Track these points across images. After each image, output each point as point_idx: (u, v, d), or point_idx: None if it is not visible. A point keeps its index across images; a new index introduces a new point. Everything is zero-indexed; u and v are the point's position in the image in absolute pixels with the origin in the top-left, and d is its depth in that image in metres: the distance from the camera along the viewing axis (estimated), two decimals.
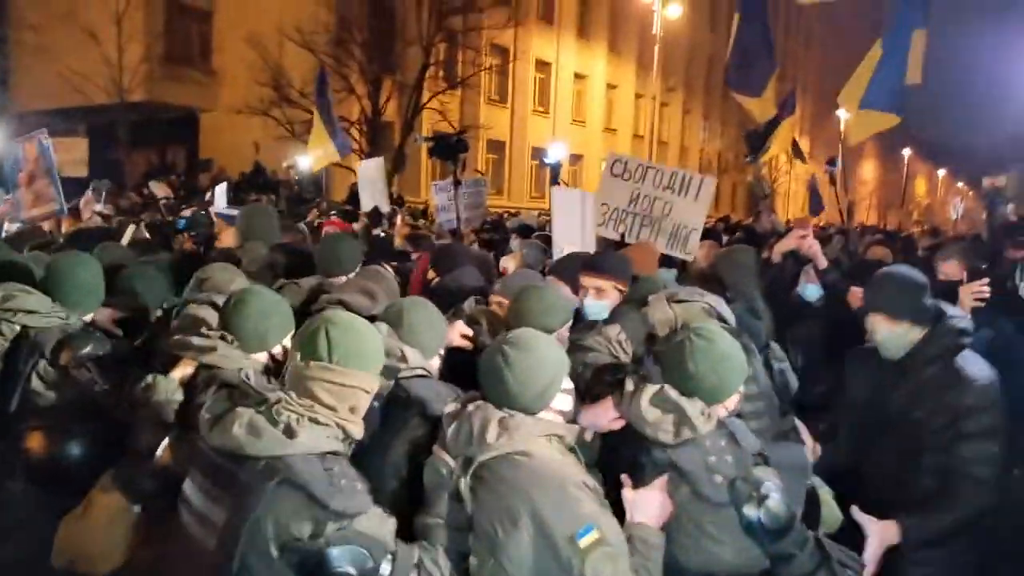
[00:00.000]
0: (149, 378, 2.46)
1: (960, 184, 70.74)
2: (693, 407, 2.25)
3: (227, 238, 4.55)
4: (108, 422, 2.56)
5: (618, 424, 2.35)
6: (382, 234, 7.77)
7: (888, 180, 56.62)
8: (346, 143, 10.88)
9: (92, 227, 5.93)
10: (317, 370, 1.98)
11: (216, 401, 2.03)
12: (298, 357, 2.02)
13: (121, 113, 21.53)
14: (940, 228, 20.00)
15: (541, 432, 2.11)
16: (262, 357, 2.55)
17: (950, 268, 4.63)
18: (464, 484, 2.04)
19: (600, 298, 3.34)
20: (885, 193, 55.25)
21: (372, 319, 2.46)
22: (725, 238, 8.28)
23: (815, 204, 15.69)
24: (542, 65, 31.98)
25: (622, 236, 5.39)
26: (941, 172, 72.69)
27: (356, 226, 8.16)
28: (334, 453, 1.96)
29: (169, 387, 2.46)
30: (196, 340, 2.52)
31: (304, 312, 2.81)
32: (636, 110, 37.02)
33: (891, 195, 55.52)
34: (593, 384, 2.54)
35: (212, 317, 2.65)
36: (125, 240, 4.64)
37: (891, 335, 2.94)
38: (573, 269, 3.61)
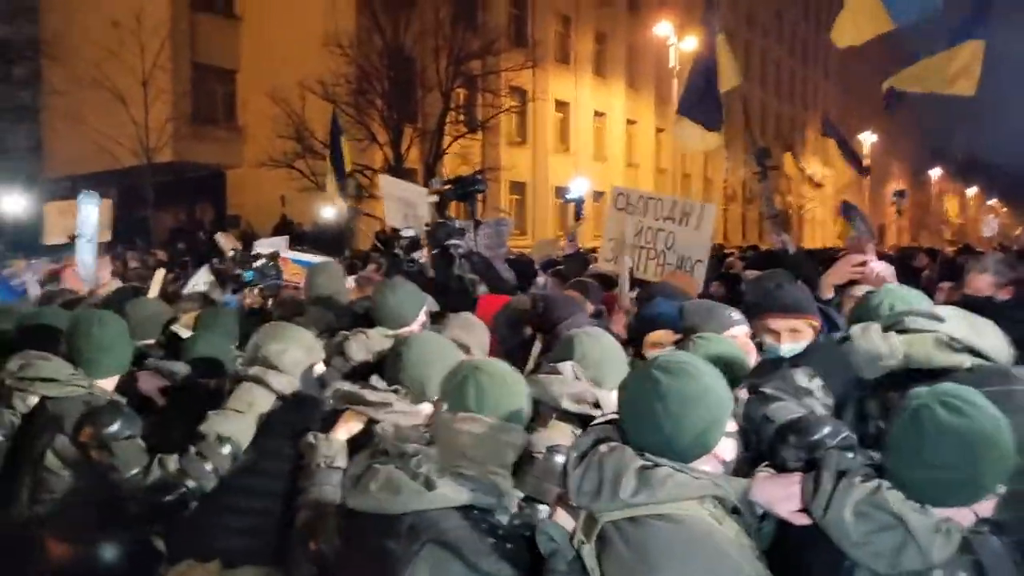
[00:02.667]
0: (310, 438, 2.31)
1: (992, 201, 69.52)
2: (924, 523, 1.54)
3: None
4: (134, 524, 2.42)
5: (801, 521, 1.68)
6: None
7: (918, 201, 55.75)
8: (344, 189, 11.07)
9: (127, 285, 5.86)
10: (464, 422, 1.85)
11: (357, 461, 1.93)
12: (444, 407, 1.92)
13: (149, 174, 21.94)
14: (973, 246, 19.44)
15: (695, 492, 1.61)
16: (426, 408, 2.34)
17: (981, 283, 4.31)
18: (588, 551, 1.59)
19: (797, 340, 2.82)
20: (915, 214, 54.37)
21: None
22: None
23: (862, 229, 14.72)
24: (561, 105, 32.14)
25: (631, 272, 5.17)
26: (972, 190, 71.49)
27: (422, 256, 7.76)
28: (479, 508, 1.77)
29: (332, 449, 2.29)
30: (371, 395, 2.33)
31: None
32: (657, 144, 36.97)
33: (922, 215, 54.71)
34: (778, 446, 1.84)
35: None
36: (154, 290, 4.51)
37: None
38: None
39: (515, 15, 29.48)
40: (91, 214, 6.16)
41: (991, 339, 2.04)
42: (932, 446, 1.56)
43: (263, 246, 5.82)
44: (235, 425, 2.53)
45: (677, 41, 26.31)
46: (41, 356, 2.73)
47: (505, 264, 5.34)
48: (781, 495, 1.70)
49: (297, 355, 2.72)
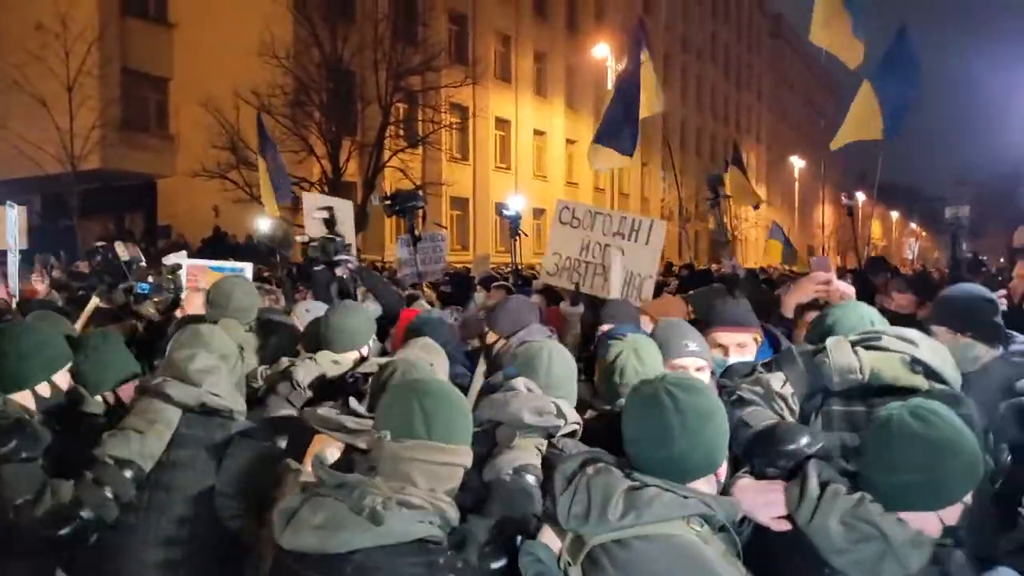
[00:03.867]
0: (290, 464, 2.14)
1: (913, 225, 72.83)
2: (903, 535, 1.62)
3: (194, 302, 4.14)
4: (30, 554, 2.25)
5: (782, 527, 1.77)
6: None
7: (844, 223, 57.85)
8: (286, 190, 10.76)
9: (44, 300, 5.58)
10: (416, 449, 1.70)
11: (292, 496, 1.73)
12: (387, 436, 1.72)
13: (73, 181, 21.09)
14: (897, 267, 20.37)
15: (682, 512, 1.60)
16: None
17: (904, 300, 4.58)
18: (576, 573, 1.59)
19: (744, 354, 2.96)
20: (841, 237, 56.46)
21: None
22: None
23: (788, 251, 15.50)
24: (501, 123, 32.36)
25: (576, 286, 5.17)
26: (895, 214, 74.69)
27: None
28: (433, 542, 1.65)
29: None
30: (350, 421, 2.17)
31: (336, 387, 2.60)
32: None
33: (848, 238, 56.84)
34: (755, 451, 1.92)
35: None
36: (82, 320, 4.27)
37: None
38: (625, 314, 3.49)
39: (455, 32, 29.60)
40: (12, 225, 5.87)
41: (950, 366, 2.19)
42: (901, 451, 1.67)
43: (168, 259, 5.63)
44: (135, 446, 2.35)
45: (615, 63, 26.79)
46: None
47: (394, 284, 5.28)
48: (763, 501, 1.79)
49: (208, 362, 2.55)
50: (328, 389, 2.93)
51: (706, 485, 1.69)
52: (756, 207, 17.52)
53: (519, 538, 1.74)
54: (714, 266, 29.09)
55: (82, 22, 20.78)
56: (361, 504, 1.61)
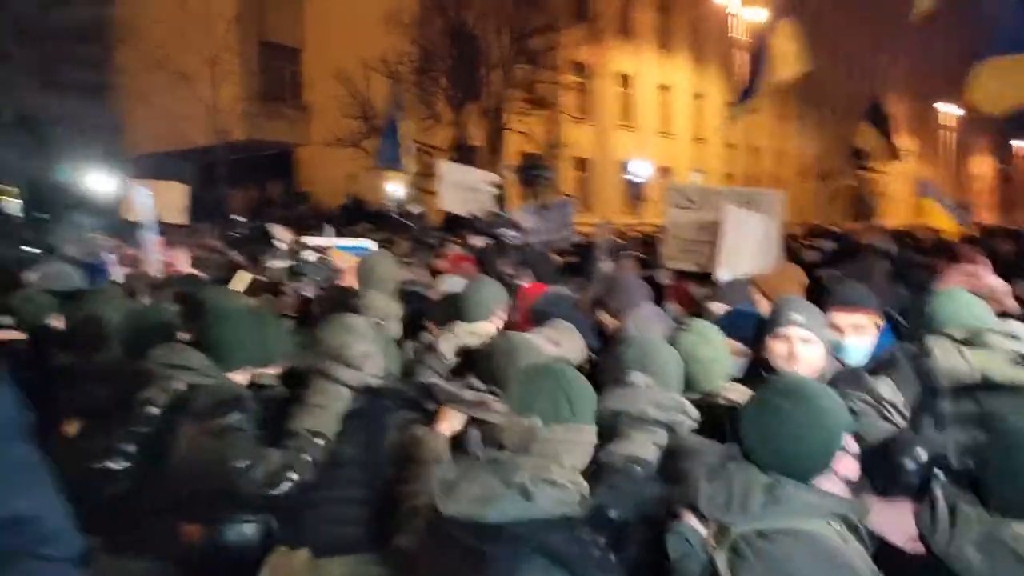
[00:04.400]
0: (417, 431, 2.41)
1: None
2: None
3: (349, 278, 4.44)
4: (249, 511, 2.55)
5: (916, 550, 1.80)
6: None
7: (1004, 176, 53.07)
8: (391, 157, 11.06)
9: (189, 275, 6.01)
10: (563, 432, 1.93)
11: (448, 466, 1.98)
12: (538, 421, 1.94)
13: (222, 153, 22.55)
14: None
15: (822, 511, 1.68)
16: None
17: None
18: (721, 559, 1.65)
19: (862, 336, 2.89)
20: (1003, 190, 51.79)
21: None
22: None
23: (961, 216, 13.31)
24: (623, 79, 31.64)
25: (699, 267, 5.06)
26: None
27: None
28: (576, 518, 1.80)
29: (438, 445, 2.38)
30: (468, 394, 2.44)
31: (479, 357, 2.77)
32: (724, 118, 36.12)
33: (1013, 191, 52.06)
34: (874, 469, 1.93)
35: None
36: (239, 288, 4.63)
37: None
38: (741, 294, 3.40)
39: None
40: (146, 204, 6.30)
41: None
42: (1021, 459, 1.67)
43: (312, 241, 5.93)
44: (319, 419, 2.63)
45: (741, 10, 25.50)
46: (180, 346, 2.86)
47: (556, 256, 5.31)
48: (895, 524, 1.81)
49: (362, 348, 2.77)
50: (470, 359, 3.06)
51: (832, 484, 1.75)
52: (895, 158, 16.20)
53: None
54: (858, 225, 27.53)
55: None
56: (512, 479, 1.78)
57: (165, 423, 2.64)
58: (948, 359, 2.11)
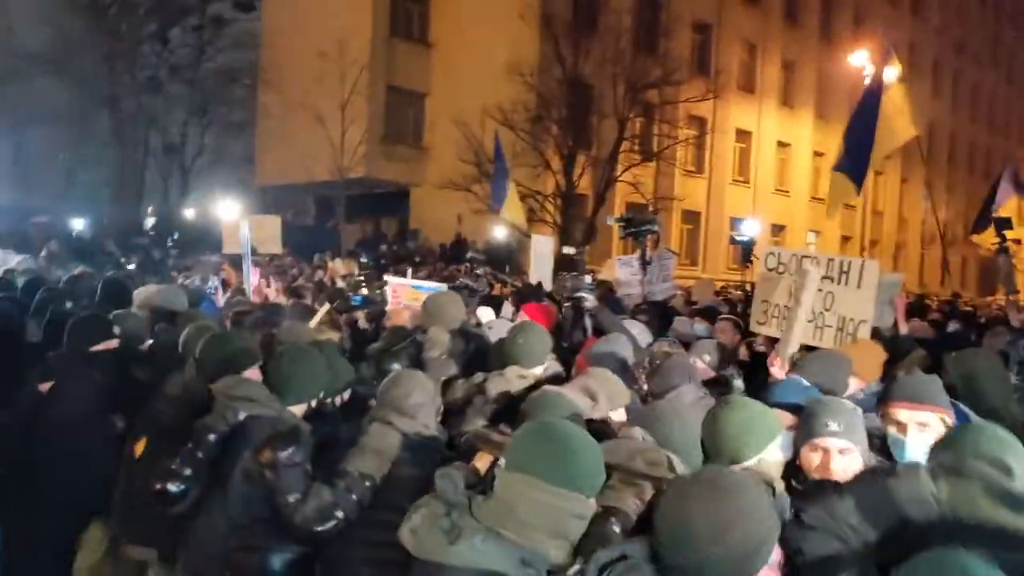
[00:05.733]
0: (455, 465, 2.45)
1: None
2: None
3: (399, 317, 4.64)
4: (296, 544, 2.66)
5: None
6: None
7: None
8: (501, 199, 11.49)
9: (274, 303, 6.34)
10: (525, 484, 1.78)
11: (425, 497, 1.97)
12: (502, 464, 1.87)
13: (342, 188, 23.79)
14: None
15: None
16: None
17: None
18: None
19: (926, 434, 2.59)
20: None
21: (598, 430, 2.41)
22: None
23: None
24: (742, 134, 31.15)
25: (782, 335, 4.85)
26: None
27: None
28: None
29: (465, 479, 2.46)
30: (496, 436, 2.51)
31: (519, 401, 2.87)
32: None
33: None
34: None
35: None
36: (315, 321, 4.85)
37: None
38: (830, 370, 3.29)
39: (697, 42, 29.00)
40: (245, 236, 6.77)
41: None
42: None
43: (393, 278, 6.15)
44: (372, 463, 2.74)
45: (869, 65, 24.66)
46: (245, 377, 3.07)
47: (630, 319, 5.23)
48: None
49: (419, 399, 2.91)
50: (514, 403, 3.09)
51: None
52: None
53: None
54: (989, 299, 25.65)
55: (357, 47, 23.38)
56: (446, 521, 1.77)
57: (224, 451, 2.78)
58: (910, 488, 1.85)
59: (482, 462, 2.47)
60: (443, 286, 6.01)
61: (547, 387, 2.90)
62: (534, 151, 21.78)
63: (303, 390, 3.06)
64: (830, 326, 4.61)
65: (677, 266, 23.67)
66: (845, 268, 4.63)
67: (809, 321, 4.66)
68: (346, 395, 3.39)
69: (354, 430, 2.89)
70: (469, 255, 19.27)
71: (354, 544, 2.68)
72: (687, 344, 4.94)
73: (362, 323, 5.11)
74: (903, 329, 5.17)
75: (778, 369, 3.87)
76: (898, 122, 6.62)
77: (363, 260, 18.50)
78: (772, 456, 2.43)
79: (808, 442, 2.40)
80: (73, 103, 25.63)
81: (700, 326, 6.98)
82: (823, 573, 1.75)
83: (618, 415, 3.04)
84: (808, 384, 3.17)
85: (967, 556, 1.47)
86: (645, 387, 3.69)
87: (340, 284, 7.67)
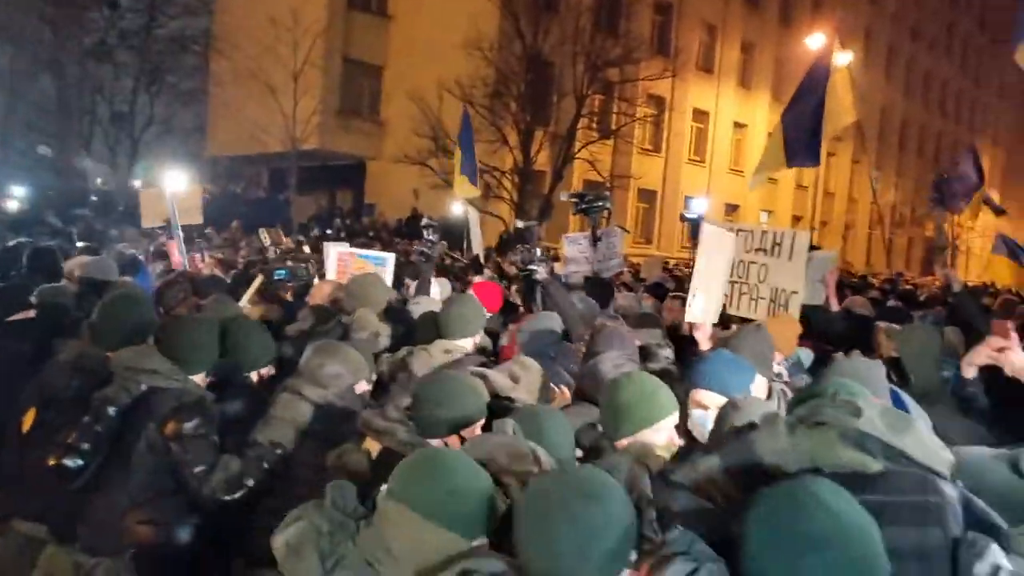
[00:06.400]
0: (347, 447, 2.45)
1: None
2: None
3: (322, 290, 4.59)
4: (203, 515, 2.62)
5: None
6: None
7: None
8: (472, 173, 11.24)
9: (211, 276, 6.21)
10: (394, 515, 1.66)
11: (303, 507, 1.82)
12: (384, 490, 1.71)
13: (295, 160, 23.35)
14: None
15: None
16: (452, 440, 2.42)
17: None
18: None
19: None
20: None
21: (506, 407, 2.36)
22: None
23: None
24: (699, 114, 31.40)
25: (724, 308, 4.93)
26: None
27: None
28: None
29: (360, 462, 2.42)
30: (380, 422, 2.47)
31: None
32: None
33: None
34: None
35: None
36: (247, 296, 4.77)
37: None
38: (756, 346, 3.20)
39: (658, 22, 29.04)
40: (165, 208, 6.62)
41: (914, 438, 1.75)
42: (764, 543, 1.43)
43: (337, 246, 6.07)
44: (281, 432, 2.75)
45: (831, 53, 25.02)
46: (146, 348, 2.97)
47: (581, 294, 5.22)
48: None
49: (335, 369, 2.88)
50: None
51: None
52: (999, 213, 15.25)
53: None
54: (929, 278, 26.38)
55: (311, 16, 22.85)
56: (325, 544, 1.68)
57: (125, 424, 2.72)
58: (768, 440, 1.81)
59: (372, 446, 2.47)
60: (390, 255, 5.91)
61: (447, 372, 2.84)
62: (492, 127, 21.63)
63: (203, 360, 3.01)
64: (764, 298, 4.70)
65: (631, 244, 23.83)
66: (778, 240, 4.71)
67: (743, 294, 4.74)
68: (266, 371, 3.33)
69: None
70: (424, 222, 19.08)
71: (265, 515, 2.62)
72: (629, 319, 4.97)
73: (283, 296, 5.03)
74: (834, 306, 5.26)
75: (702, 336, 3.87)
76: (841, 106, 6.71)
77: (315, 234, 18.24)
78: (657, 437, 2.41)
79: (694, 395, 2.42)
80: (13, 67, 24.62)
81: (647, 302, 7.06)
82: (693, 529, 1.71)
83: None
84: (733, 356, 3.14)
85: (821, 483, 1.49)
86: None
87: (271, 255, 7.52)
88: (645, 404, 2.43)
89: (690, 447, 2.48)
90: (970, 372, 3.07)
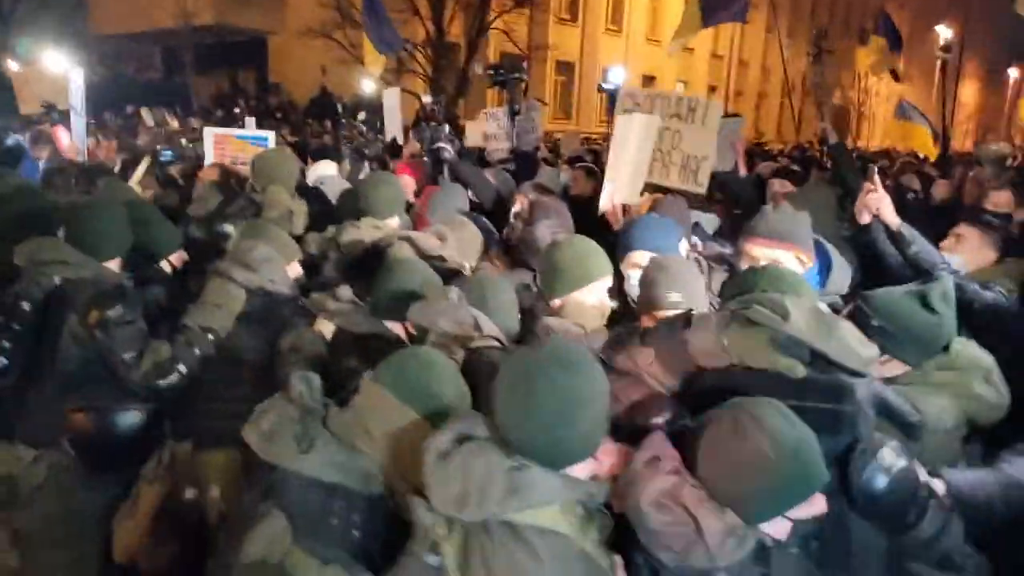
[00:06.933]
0: (300, 330, 2.48)
1: None
2: (717, 526, 1.54)
3: (211, 174, 4.42)
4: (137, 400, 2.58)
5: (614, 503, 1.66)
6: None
7: (990, 104, 52.56)
8: (390, 40, 10.40)
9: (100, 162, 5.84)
10: (380, 399, 1.73)
11: (272, 400, 1.84)
12: (369, 375, 1.79)
13: (190, 37, 21.63)
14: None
15: (563, 497, 1.52)
16: (396, 327, 2.44)
17: (1001, 199, 4.00)
18: (450, 555, 1.50)
19: None
20: (986, 117, 51.42)
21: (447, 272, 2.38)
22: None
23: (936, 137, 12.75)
24: None
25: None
26: None
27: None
28: (347, 489, 1.70)
29: (315, 342, 2.46)
30: (331, 304, 2.50)
31: (374, 252, 2.87)
32: (715, 29, 35.02)
33: (993, 119, 51.70)
34: (620, 426, 1.77)
35: None
36: (136, 177, 4.54)
37: None
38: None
39: None
40: (77, 89, 6.10)
41: (837, 340, 1.82)
42: (711, 464, 1.58)
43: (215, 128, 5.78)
44: (212, 316, 2.69)
45: None
46: (52, 240, 2.84)
47: (491, 172, 5.17)
48: (604, 468, 1.67)
49: (265, 252, 2.82)
50: (369, 256, 3.08)
51: (583, 469, 1.60)
52: (897, 79, 15.67)
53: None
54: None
55: None
56: (305, 431, 1.72)
57: (46, 318, 2.64)
58: (700, 340, 1.88)
59: (324, 327, 2.52)
60: (270, 133, 5.65)
61: (398, 257, 2.77)
62: None
63: (115, 247, 2.91)
64: (675, 163, 4.77)
65: (550, 119, 23.55)
66: (692, 106, 4.74)
67: (655, 160, 4.78)
68: (177, 258, 3.22)
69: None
70: (340, 109, 18.27)
71: (201, 397, 2.66)
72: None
73: (172, 177, 4.82)
74: (742, 171, 5.37)
75: (613, 220, 3.84)
76: None
77: (219, 115, 17.23)
78: (590, 298, 2.49)
79: (649, 313, 2.35)
80: None
81: (565, 175, 7.06)
82: (643, 415, 1.81)
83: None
84: (661, 218, 3.18)
85: (764, 407, 1.60)
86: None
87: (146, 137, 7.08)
88: (580, 265, 2.50)
89: (624, 311, 2.57)
90: (864, 218, 3.11)
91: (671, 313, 2.20)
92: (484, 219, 3.69)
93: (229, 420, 2.58)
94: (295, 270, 2.99)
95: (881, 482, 1.69)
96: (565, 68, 29.03)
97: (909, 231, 3.04)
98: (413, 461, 1.56)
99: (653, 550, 1.59)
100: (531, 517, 1.49)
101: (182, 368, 2.61)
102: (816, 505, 1.59)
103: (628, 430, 1.77)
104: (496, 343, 2.16)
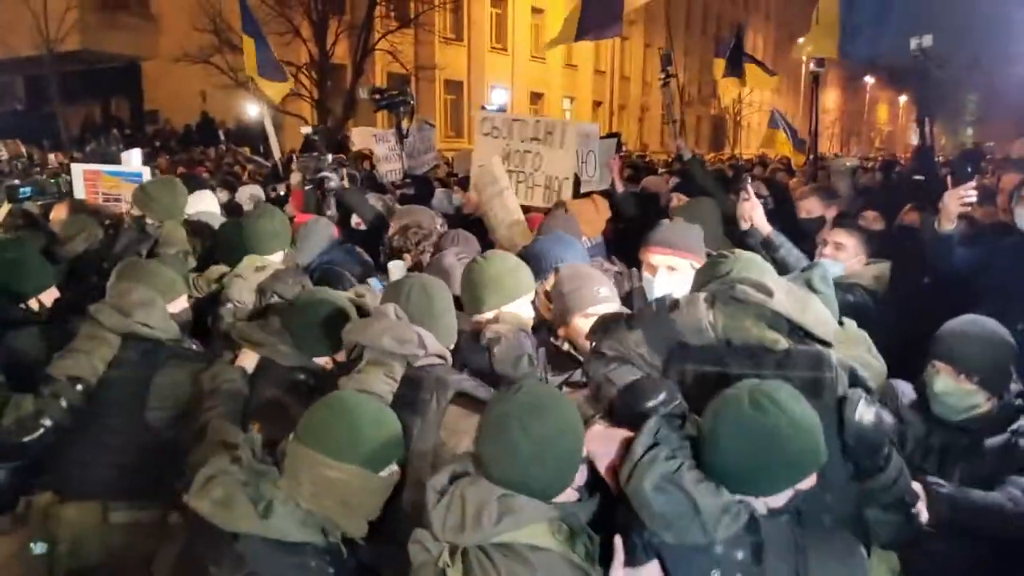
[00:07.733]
0: (221, 367, 2.47)
1: None
2: (713, 503, 1.66)
3: (58, 216, 4.22)
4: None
5: (610, 482, 1.80)
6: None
7: (850, 109, 56.53)
8: (273, 69, 10.09)
9: None
10: (307, 460, 1.79)
11: (213, 463, 1.84)
12: (292, 436, 1.83)
13: (54, 64, 20.39)
14: (895, 157, 19.82)
15: (549, 514, 1.68)
16: (322, 361, 2.46)
17: (810, 205, 4.33)
18: (452, 573, 1.65)
19: (674, 277, 2.82)
20: (848, 122, 55.24)
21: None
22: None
23: (798, 142, 13.78)
24: (497, 0, 30.95)
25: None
26: (903, 99, 72.79)
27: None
28: (311, 546, 1.78)
29: (237, 377, 2.46)
30: (257, 335, 2.49)
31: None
32: (597, 45, 36.08)
33: (853, 124, 55.56)
34: (618, 411, 1.91)
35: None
36: None
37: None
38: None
39: None
40: None
41: (813, 314, 1.99)
42: (729, 440, 1.67)
43: (129, 157, 5.52)
44: (83, 364, 2.58)
45: None
46: None
47: (374, 198, 5.18)
48: (603, 452, 1.80)
49: (143, 295, 2.72)
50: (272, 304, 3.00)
51: (566, 495, 1.75)
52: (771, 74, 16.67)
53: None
54: (712, 154, 28.45)
55: None
56: (259, 494, 1.75)
57: None
58: (690, 316, 2.00)
59: (247, 360, 2.51)
60: (146, 168, 5.44)
61: (314, 290, 2.72)
62: (280, 17, 20.02)
63: None
64: (539, 185, 4.99)
65: (443, 138, 23.52)
66: (550, 130, 4.99)
67: (520, 182, 4.97)
68: (47, 296, 3.04)
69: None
70: (222, 137, 17.64)
71: (74, 446, 2.55)
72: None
73: (35, 213, 4.57)
74: (619, 187, 5.54)
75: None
76: None
77: (92, 147, 16.31)
78: (520, 311, 2.59)
79: (582, 311, 2.52)
80: None
81: (457, 196, 7.08)
82: (632, 397, 1.89)
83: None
84: (561, 235, 3.36)
85: (779, 387, 1.70)
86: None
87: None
88: (512, 278, 2.59)
89: (609, 317, 2.61)
90: (743, 225, 3.51)
91: (602, 308, 2.44)
92: (360, 251, 3.72)
93: (104, 469, 2.55)
94: (180, 306, 2.90)
95: (869, 416, 1.85)
96: (454, 87, 29.20)
97: (777, 236, 3.34)
98: (371, 504, 1.79)
99: (655, 529, 1.70)
100: (524, 536, 1.64)
101: (47, 422, 2.49)
102: (814, 476, 1.72)
103: (625, 414, 1.86)
104: (439, 360, 2.18)
